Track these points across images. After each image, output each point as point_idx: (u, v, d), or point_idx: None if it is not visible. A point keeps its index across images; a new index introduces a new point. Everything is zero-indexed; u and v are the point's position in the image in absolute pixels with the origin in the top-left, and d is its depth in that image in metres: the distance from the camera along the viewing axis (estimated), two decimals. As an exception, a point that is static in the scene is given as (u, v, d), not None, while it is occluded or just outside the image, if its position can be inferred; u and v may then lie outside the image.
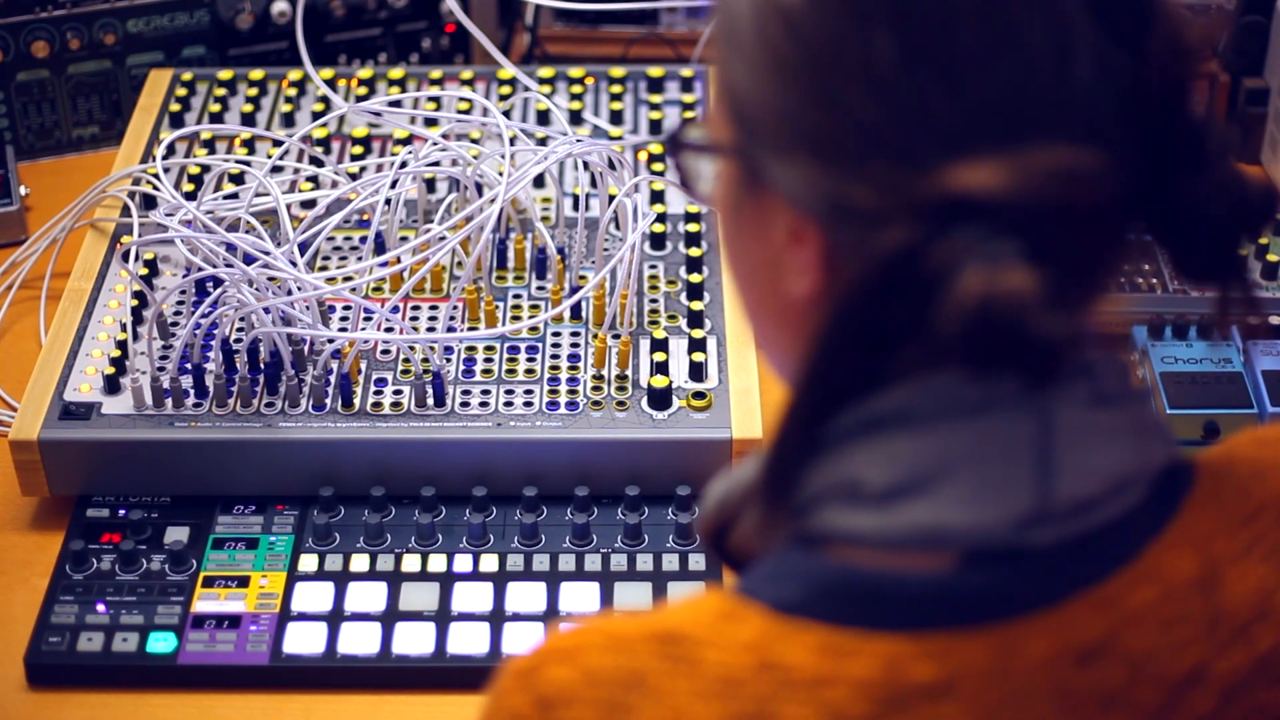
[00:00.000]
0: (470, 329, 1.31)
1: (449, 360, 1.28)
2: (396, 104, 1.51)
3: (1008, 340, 0.65)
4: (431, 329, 1.31)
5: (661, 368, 1.25)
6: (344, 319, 1.32)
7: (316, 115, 1.53)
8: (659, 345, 1.27)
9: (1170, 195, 0.70)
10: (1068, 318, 0.65)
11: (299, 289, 1.24)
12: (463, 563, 1.18)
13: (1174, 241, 0.72)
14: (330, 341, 1.25)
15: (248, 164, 1.40)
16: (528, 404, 1.24)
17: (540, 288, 1.35)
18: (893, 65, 0.67)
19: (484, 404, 1.24)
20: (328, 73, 1.59)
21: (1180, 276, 0.74)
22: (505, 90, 1.58)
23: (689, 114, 1.55)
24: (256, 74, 1.60)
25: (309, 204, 1.40)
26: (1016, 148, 0.66)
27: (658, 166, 1.48)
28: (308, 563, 1.19)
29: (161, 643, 1.13)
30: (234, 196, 1.38)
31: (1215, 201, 0.71)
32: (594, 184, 1.42)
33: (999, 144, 0.67)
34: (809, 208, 0.71)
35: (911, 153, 0.68)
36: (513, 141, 1.42)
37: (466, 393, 1.25)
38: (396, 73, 1.59)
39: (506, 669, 0.72)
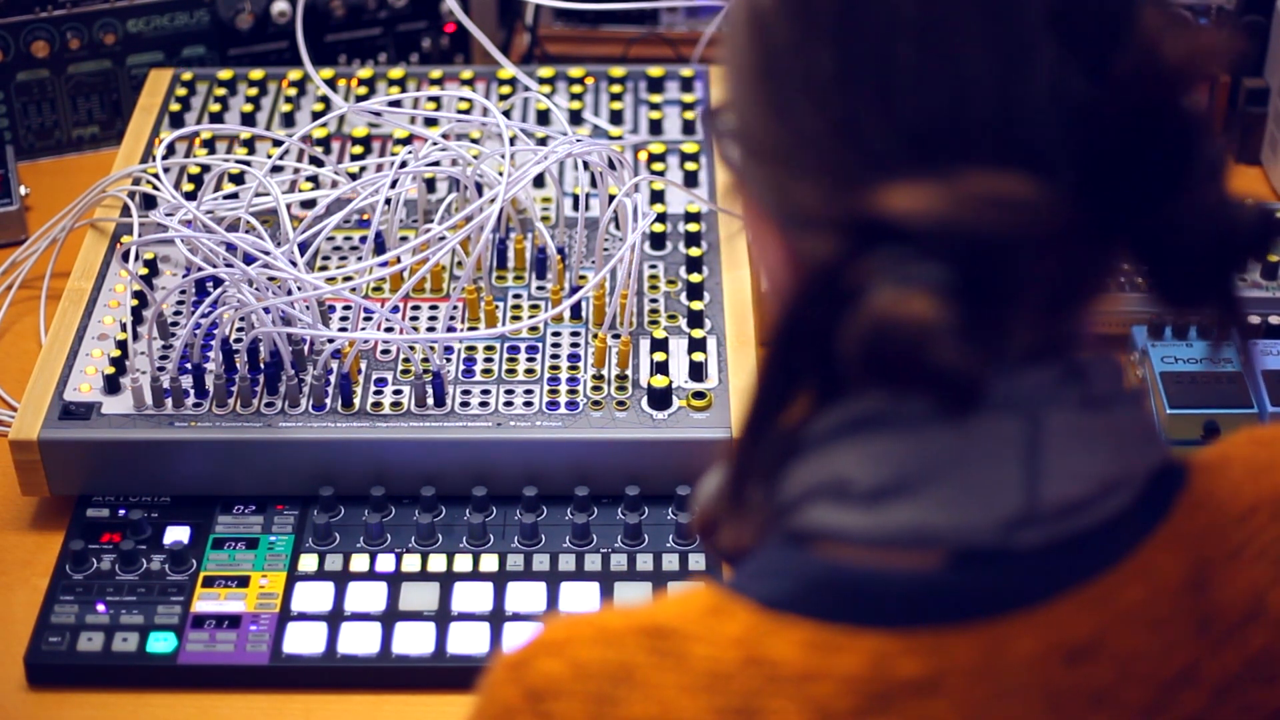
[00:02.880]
0: (470, 329, 1.31)
1: (449, 360, 1.28)
2: (396, 104, 1.51)
3: (905, 366, 0.64)
4: (431, 329, 1.31)
5: (661, 368, 1.25)
6: (344, 319, 1.32)
7: (316, 115, 1.53)
8: (659, 345, 1.27)
9: (1149, 222, 0.69)
10: (985, 349, 0.64)
11: (299, 289, 1.24)
12: (463, 563, 1.18)
13: (1154, 270, 0.70)
14: (330, 341, 1.25)
15: (248, 164, 1.40)
16: (528, 404, 1.24)
17: (540, 288, 1.35)
18: (831, 79, 0.68)
19: (484, 404, 1.24)
20: (328, 73, 1.59)
21: (1163, 307, 0.72)
22: (505, 90, 1.58)
23: (688, 113, 1.55)
24: (256, 74, 1.60)
25: (309, 204, 1.40)
26: (950, 171, 0.65)
27: (658, 166, 1.48)
28: (308, 563, 1.19)
29: (161, 643, 1.13)
30: (234, 196, 1.38)
31: (1197, 230, 0.69)
32: (594, 184, 1.42)
33: (932, 166, 0.66)
34: (769, 210, 0.72)
35: (844, 168, 0.68)
36: (513, 141, 1.42)
37: (466, 393, 1.25)
38: (396, 73, 1.59)
39: (498, 661, 0.73)
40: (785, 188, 0.71)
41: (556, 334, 1.31)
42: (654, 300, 1.34)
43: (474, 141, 1.47)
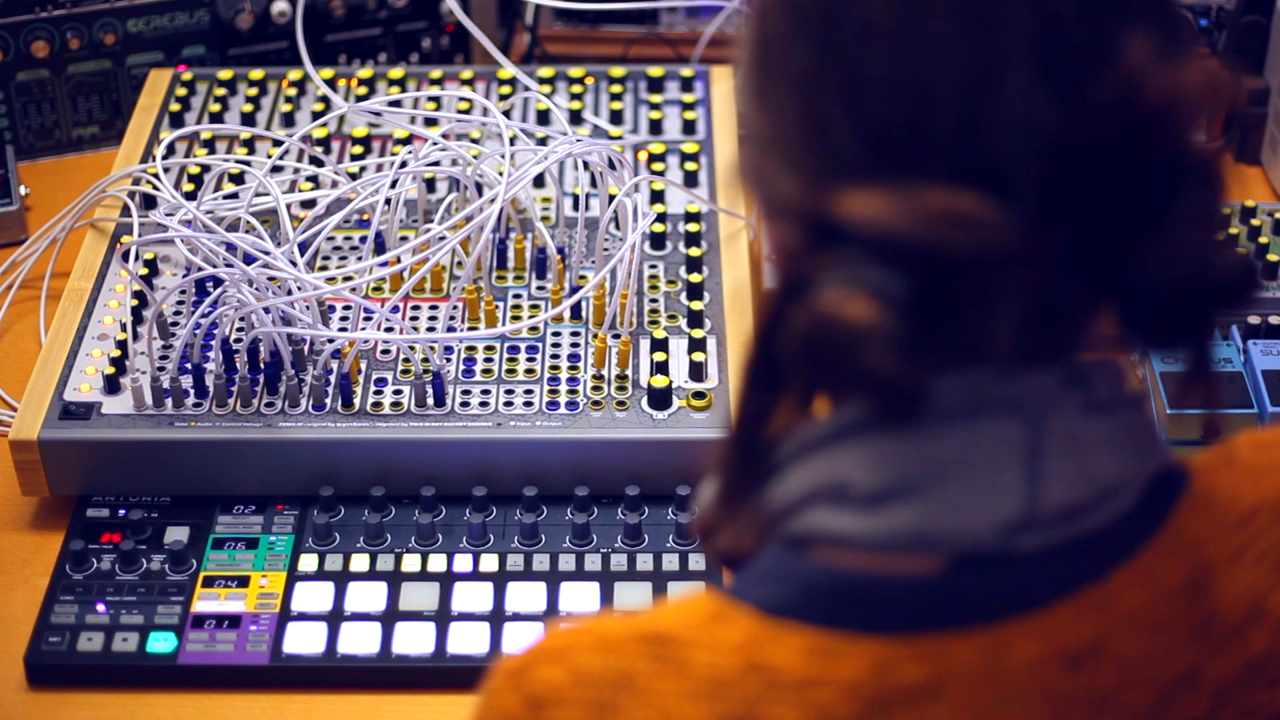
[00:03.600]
0: (470, 329, 1.31)
1: (449, 360, 1.28)
2: (396, 104, 1.51)
3: (838, 367, 0.65)
4: (431, 329, 1.31)
5: (661, 368, 1.25)
6: (344, 319, 1.32)
7: (316, 115, 1.53)
8: (659, 345, 1.27)
9: (1112, 257, 0.68)
10: (924, 359, 0.65)
11: (299, 289, 1.24)
12: (463, 563, 1.18)
13: (1122, 304, 0.70)
14: (330, 341, 1.25)
15: (248, 164, 1.40)
16: (528, 404, 1.24)
17: (540, 288, 1.35)
18: (807, 76, 0.69)
19: (484, 404, 1.24)
20: (328, 73, 1.59)
21: (1134, 343, 0.71)
22: (505, 90, 1.58)
23: (688, 113, 1.55)
24: (256, 74, 1.60)
25: (309, 204, 1.40)
26: (909, 182, 0.65)
27: (658, 166, 1.48)
28: (308, 563, 1.19)
29: (161, 643, 1.13)
30: (234, 196, 1.38)
31: (1169, 273, 0.68)
32: (594, 184, 1.42)
33: (889, 174, 0.66)
34: (756, 197, 0.73)
35: (811, 166, 0.69)
36: (513, 141, 1.42)
37: (466, 393, 1.25)
38: (396, 73, 1.59)
39: (498, 668, 0.73)
40: (767, 176, 0.71)
41: (556, 334, 1.31)
42: (654, 300, 1.34)
43: (474, 141, 1.47)
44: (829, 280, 0.65)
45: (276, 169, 1.43)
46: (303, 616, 1.15)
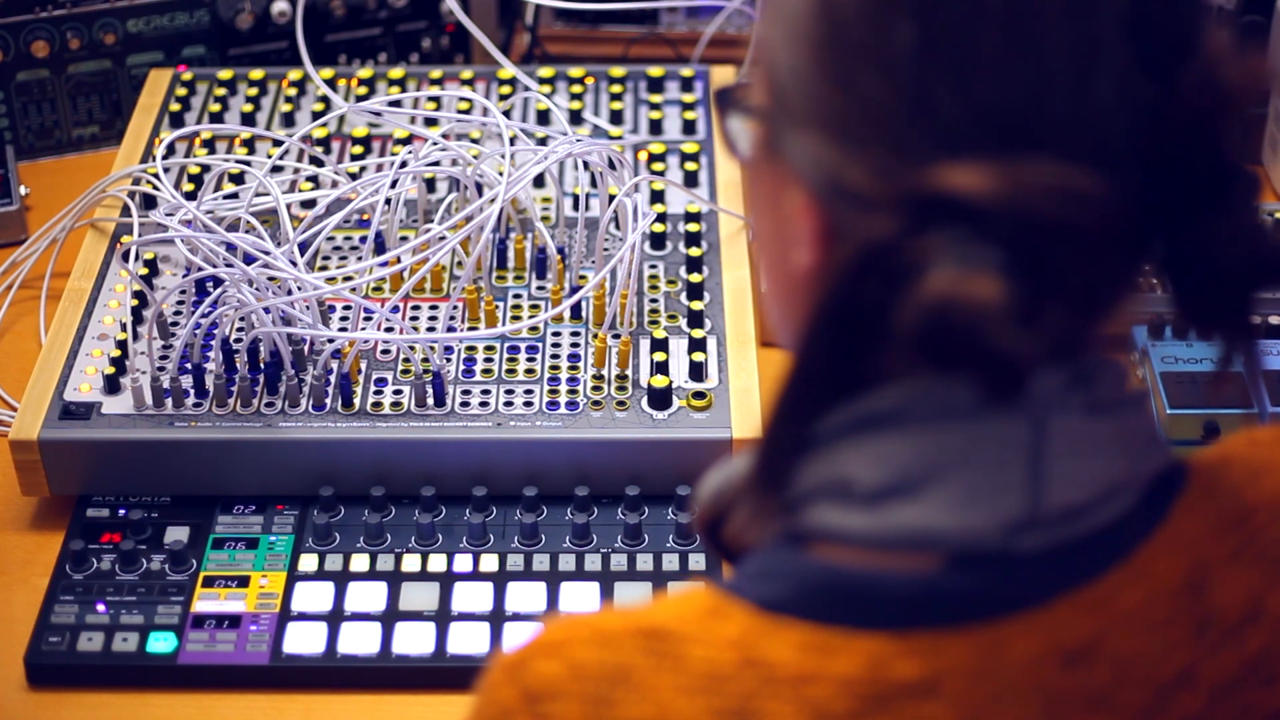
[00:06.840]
0: (470, 329, 1.31)
1: (449, 360, 1.28)
2: (396, 104, 1.51)
3: (963, 347, 0.64)
4: (431, 329, 1.31)
5: (661, 368, 1.25)
6: (344, 319, 1.32)
7: (316, 115, 1.53)
8: (659, 345, 1.27)
9: (1185, 235, 0.70)
10: (1036, 335, 0.65)
11: (299, 289, 1.24)
12: (463, 563, 1.18)
13: (1183, 283, 0.72)
14: (330, 341, 1.25)
15: (248, 164, 1.40)
16: (528, 404, 1.24)
17: (540, 288, 1.35)
18: (908, 55, 0.67)
19: (484, 404, 1.24)
20: (328, 73, 1.59)
21: (1183, 322, 0.73)
22: (505, 90, 1.58)
23: (688, 113, 1.55)
24: (256, 74, 1.60)
25: (309, 204, 1.40)
26: (1014, 157, 0.66)
27: (658, 166, 1.48)
28: (308, 563, 1.19)
29: (161, 643, 1.13)
30: (234, 196, 1.38)
31: (1231, 249, 0.70)
32: (594, 184, 1.42)
33: (998, 150, 0.66)
34: (811, 181, 0.71)
35: (910, 144, 0.68)
36: (513, 141, 1.42)
37: (466, 393, 1.25)
38: (396, 73, 1.59)
39: (495, 662, 0.73)
40: (836, 160, 0.70)
41: (556, 334, 1.31)
42: (654, 300, 1.34)
43: (474, 141, 1.47)
44: (940, 261, 0.64)
45: (276, 169, 1.43)
46: (303, 616, 1.15)
